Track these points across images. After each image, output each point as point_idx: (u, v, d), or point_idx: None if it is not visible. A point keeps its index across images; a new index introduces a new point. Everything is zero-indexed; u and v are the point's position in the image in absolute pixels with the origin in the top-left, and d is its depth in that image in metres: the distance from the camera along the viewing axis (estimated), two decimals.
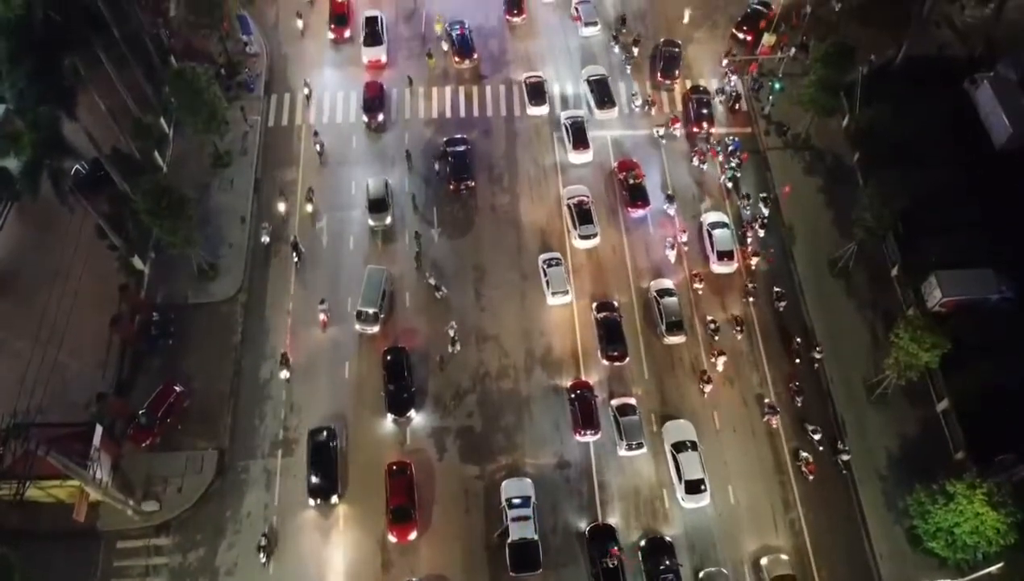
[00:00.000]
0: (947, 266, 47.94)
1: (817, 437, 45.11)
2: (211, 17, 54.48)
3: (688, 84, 59.17)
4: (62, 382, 44.52)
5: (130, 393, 46.25)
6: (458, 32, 59.92)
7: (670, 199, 53.68)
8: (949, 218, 49.92)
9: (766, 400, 46.96)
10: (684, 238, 52.08)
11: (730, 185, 54.45)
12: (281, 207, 52.67)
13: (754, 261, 51.15)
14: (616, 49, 60.94)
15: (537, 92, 57.51)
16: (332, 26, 60.92)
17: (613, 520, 43.58)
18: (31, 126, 42.81)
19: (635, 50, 60.15)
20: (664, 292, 49.20)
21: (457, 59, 59.67)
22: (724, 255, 50.39)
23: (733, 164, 54.73)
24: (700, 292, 50.30)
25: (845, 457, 44.84)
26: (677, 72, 59.04)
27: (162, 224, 44.93)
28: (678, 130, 56.46)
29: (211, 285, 50.03)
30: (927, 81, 55.80)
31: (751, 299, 50.13)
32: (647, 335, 49.25)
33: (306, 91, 57.92)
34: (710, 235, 51.25)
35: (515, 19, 62.24)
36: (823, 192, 54.18)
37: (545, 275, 50.12)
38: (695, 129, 56.02)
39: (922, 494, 40.47)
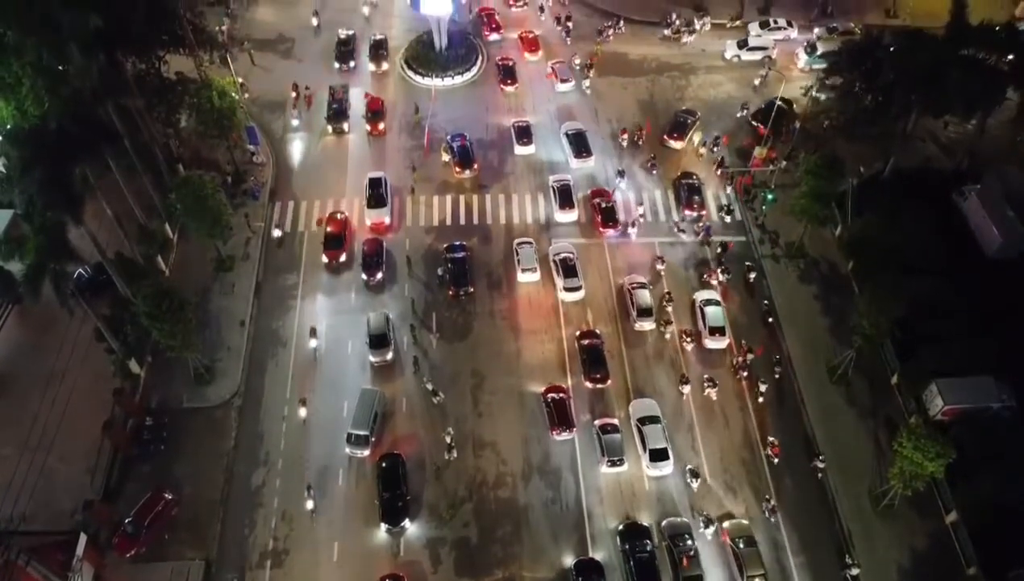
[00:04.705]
0: (946, 373, 47.70)
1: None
2: (221, 128, 56.43)
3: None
4: (50, 488, 43.53)
5: (118, 500, 45.10)
6: (459, 144, 61.87)
7: (621, 174, 60.38)
8: (945, 325, 49.99)
9: (705, 375, 50.32)
10: (641, 210, 58.61)
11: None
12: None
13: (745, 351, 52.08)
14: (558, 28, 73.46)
15: (524, 133, 63.81)
16: (325, 249, 55.40)
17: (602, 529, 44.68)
18: (37, 231, 43.51)
19: (569, 25, 72.96)
20: (638, 285, 54.19)
21: (458, 169, 61.33)
22: (716, 331, 52.20)
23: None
24: (663, 273, 55.83)
25: (855, 572, 43.29)
26: (680, 134, 63.84)
27: (162, 327, 44.94)
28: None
29: (207, 389, 49.67)
30: (916, 192, 57.25)
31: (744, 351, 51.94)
32: (623, 322, 53.64)
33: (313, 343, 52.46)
34: (702, 312, 52.89)
35: (508, 88, 68.24)
36: (819, 299, 54.73)
37: (517, 254, 55.37)
38: (687, 211, 59.26)
39: None
